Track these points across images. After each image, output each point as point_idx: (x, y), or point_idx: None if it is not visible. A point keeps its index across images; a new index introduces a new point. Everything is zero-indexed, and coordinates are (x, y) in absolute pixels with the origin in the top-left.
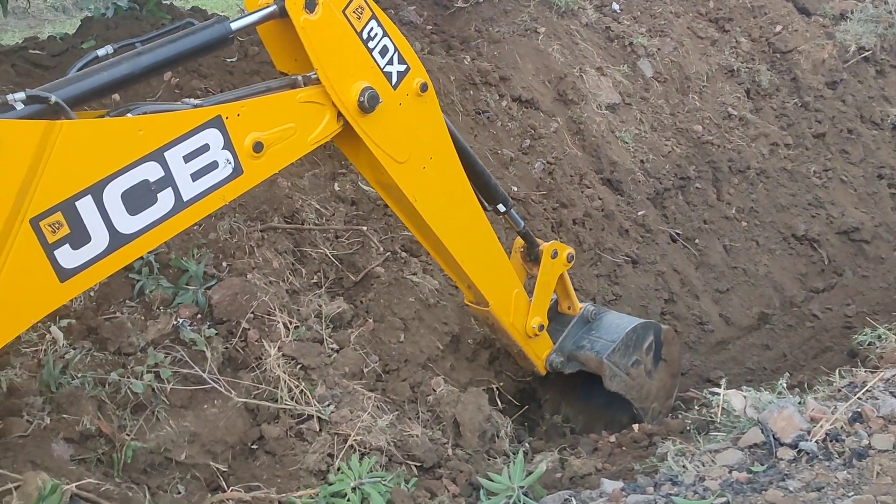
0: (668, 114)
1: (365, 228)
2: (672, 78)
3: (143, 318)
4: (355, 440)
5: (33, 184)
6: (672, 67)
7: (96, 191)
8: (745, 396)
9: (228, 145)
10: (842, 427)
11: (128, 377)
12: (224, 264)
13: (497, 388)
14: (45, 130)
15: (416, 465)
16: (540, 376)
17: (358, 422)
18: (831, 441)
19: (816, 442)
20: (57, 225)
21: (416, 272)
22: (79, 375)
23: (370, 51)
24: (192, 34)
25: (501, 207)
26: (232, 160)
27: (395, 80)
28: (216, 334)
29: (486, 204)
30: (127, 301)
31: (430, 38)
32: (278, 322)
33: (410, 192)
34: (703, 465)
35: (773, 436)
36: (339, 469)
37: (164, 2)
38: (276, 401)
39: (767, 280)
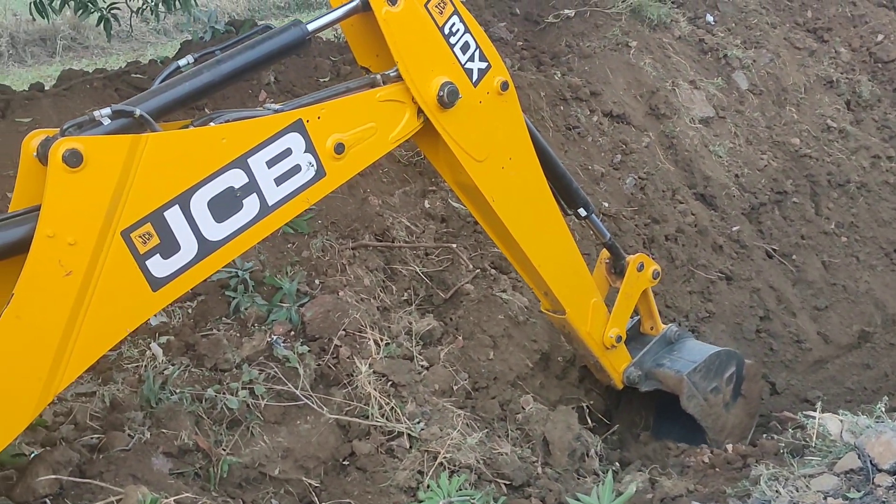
0: (764, 127)
1: (454, 246)
2: (768, 90)
3: (238, 335)
4: (445, 458)
5: (122, 197)
6: (768, 79)
7: (183, 200)
8: (841, 420)
9: (310, 148)
10: None
11: (223, 393)
12: (316, 282)
13: (587, 406)
14: (132, 144)
15: (505, 484)
16: (617, 392)
17: (447, 439)
18: None
19: None
20: (147, 236)
21: (506, 289)
22: (177, 391)
23: (451, 46)
24: (270, 38)
25: (582, 212)
26: (314, 163)
27: (475, 77)
28: (308, 351)
29: (566, 208)
30: (223, 318)
31: (521, 55)
32: (369, 339)
33: (488, 192)
34: (797, 491)
35: (871, 461)
36: (428, 486)
37: (259, 23)
38: (367, 417)
39: (868, 297)
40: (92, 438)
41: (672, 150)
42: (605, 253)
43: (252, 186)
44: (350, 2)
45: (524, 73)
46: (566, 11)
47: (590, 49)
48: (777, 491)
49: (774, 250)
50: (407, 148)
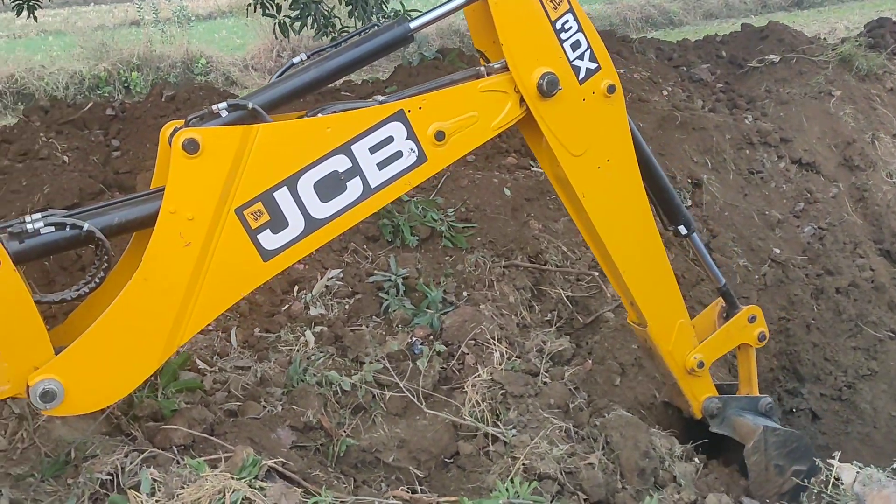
0: None
1: (597, 273)
2: None
3: (383, 333)
4: (524, 464)
5: (236, 179)
6: None
7: (291, 182)
8: (857, 472)
9: (412, 136)
10: None
11: (358, 384)
12: (464, 293)
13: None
14: (244, 134)
15: (584, 498)
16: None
17: (533, 447)
18: None
19: None
20: (258, 213)
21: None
22: (317, 375)
23: (561, 42)
24: (375, 36)
25: (682, 230)
26: (416, 149)
27: (582, 74)
28: (438, 354)
29: (666, 223)
30: (373, 317)
31: (717, 96)
32: (496, 351)
33: (580, 187)
34: None
35: None
36: (506, 489)
37: (465, 53)
38: (477, 419)
39: None
40: (233, 405)
41: (862, 203)
42: (720, 300)
43: (355, 171)
44: None
45: (713, 115)
46: (771, 57)
47: (788, 95)
48: None
49: None
50: None
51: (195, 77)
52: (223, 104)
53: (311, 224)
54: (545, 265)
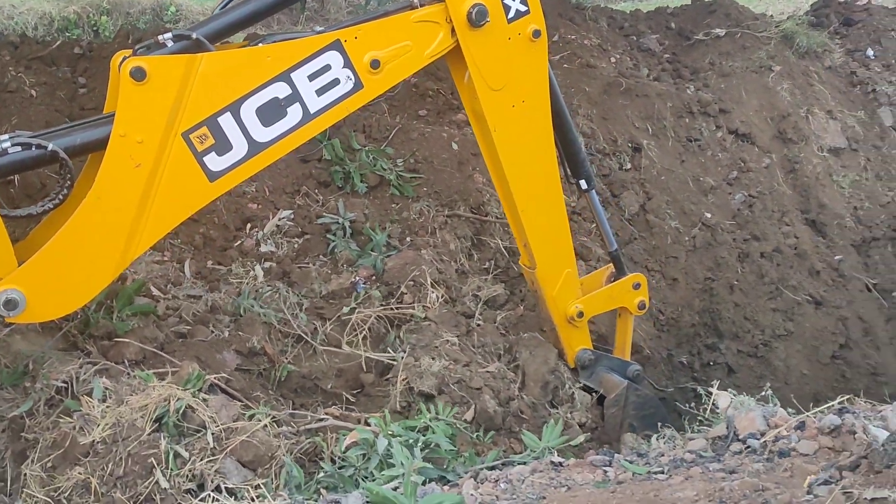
0: None
1: None
2: None
3: (329, 271)
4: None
5: (182, 105)
6: None
7: (234, 108)
8: (731, 398)
9: (349, 64)
10: (786, 432)
11: (298, 314)
12: (408, 239)
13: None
14: (188, 62)
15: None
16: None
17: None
18: (773, 441)
19: (764, 441)
20: (204, 137)
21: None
22: (264, 307)
23: None
24: None
25: (583, 184)
26: (352, 76)
27: (511, 14)
28: (378, 292)
29: (569, 175)
30: (320, 256)
31: (663, 66)
32: (432, 292)
33: (492, 121)
34: (673, 449)
35: (735, 432)
36: (419, 411)
37: None
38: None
39: None
40: (183, 328)
41: (792, 175)
42: (611, 266)
43: (295, 97)
44: None
45: (657, 84)
46: (717, 31)
47: (730, 69)
48: (659, 446)
49: (875, 284)
50: None
51: (165, 24)
52: (168, 35)
53: (254, 147)
54: (486, 216)
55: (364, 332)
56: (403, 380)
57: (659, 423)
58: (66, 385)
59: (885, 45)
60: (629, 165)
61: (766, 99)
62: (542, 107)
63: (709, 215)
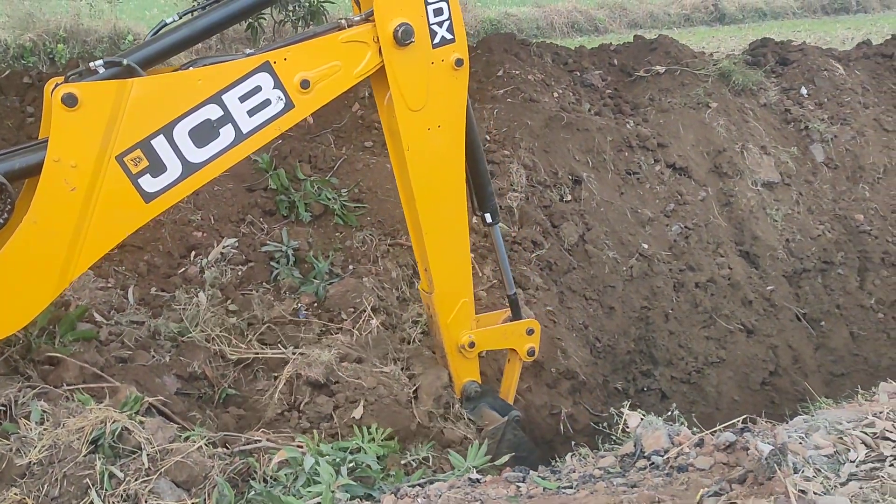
0: (830, 199)
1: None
2: (844, 165)
3: (272, 298)
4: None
5: (115, 128)
6: (846, 156)
7: (167, 130)
8: (641, 417)
9: (279, 85)
10: (687, 448)
11: (239, 341)
12: (350, 267)
13: (569, 412)
14: (119, 88)
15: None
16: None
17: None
18: (675, 458)
19: (667, 458)
20: (138, 159)
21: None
22: (205, 331)
23: (426, 3)
24: None
25: (489, 218)
26: (283, 97)
27: (437, 40)
28: (319, 319)
29: (476, 207)
30: (264, 283)
31: (605, 101)
32: (372, 319)
33: (407, 140)
34: (584, 465)
35: (641, 449)
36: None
37: None
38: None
39: (891, 373)
40: (125, 353)
41: (728, 208)
42: (508, 311)
43: (227, 118)
44: None
45: (598, 118)
46: (657, 68)
47: (669, 105)
48: (572, 464)
49: (804, 314)
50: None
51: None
52: (99, 61)
53: (188, 168)
54: None
55: None
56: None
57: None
58: (4, 408)
59: (818, 85)
60: (569, 197)
61: (703, 134)
62: (457, 134)
63: (646, 246)
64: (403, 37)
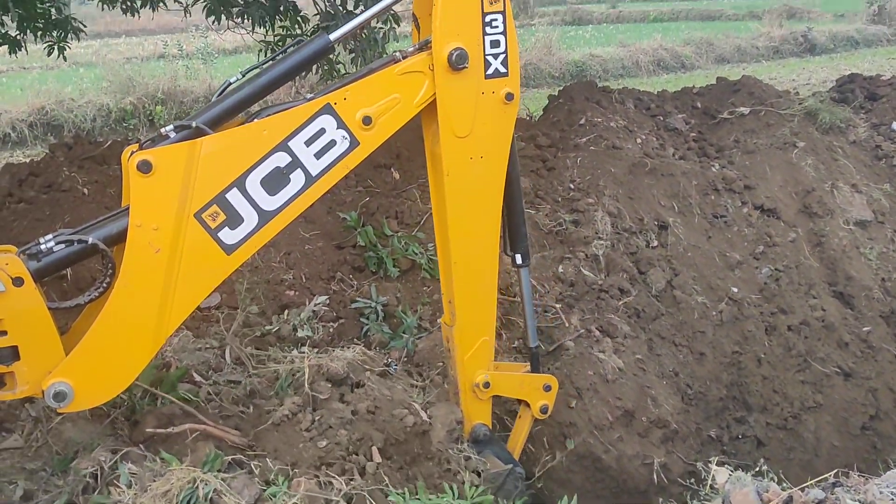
0: None
1: (559, 306)
2: None
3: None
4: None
5: (190, 188)
6: None
7: (240, 183)
8: (729, 474)
9: (342, 124)
10: None
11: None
12: (438, 321)
13: (662, 461)
14: (190, 148)
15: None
16: None
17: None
18: None
19: None
20: (215, 214)
21: (605, 350)
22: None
23: (484, 33)
24: (298, 51)
25: (519, 259)
26: (347, 135)
27: (490, 71)
28: (409, 374)
29: (507, 246)
30: (355, 339)
31: (689, 145)
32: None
33: (448, 165)
34: None
35: None
36: None
37: None
38: None
39: None
40: (225, 412)
41: (819, 248)
42: (528, 365)
43: (296, 163)
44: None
45: (682, 163)
46: (741, 109)
47: (754, 146)
48: None
49: None
50: (550, 217)
51: None
52: (170, 126)
53: (264, 216)
54: (514, 297)
55: None
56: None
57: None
58: (95, 473)
59: None
60: (656, 243)
61: (791, 174)
62: (499, 168)
63: (735, 290)
64: (458, 61)
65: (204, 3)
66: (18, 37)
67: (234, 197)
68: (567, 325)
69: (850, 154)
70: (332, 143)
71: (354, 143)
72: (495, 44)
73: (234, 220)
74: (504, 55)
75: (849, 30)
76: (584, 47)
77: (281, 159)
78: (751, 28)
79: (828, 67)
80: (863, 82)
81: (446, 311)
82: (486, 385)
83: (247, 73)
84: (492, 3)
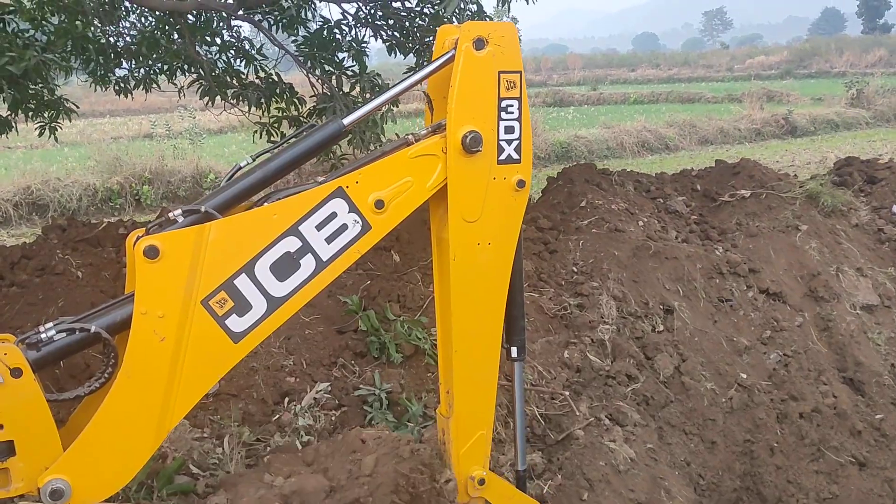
0: None
1: (567, 393)
2: None
3: None
4: None
5: (197, 274)
6: None
7: (248, 268)
8: None
9: (353, 208)
10: None
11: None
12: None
13: None
14: (198, 233)
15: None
16: None
17: None
18: None
19: None
20: (223, 301)
21: (616, 439)
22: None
23: (499, 118)
24: (312, 135)
25: (514, 352)
26: (359, 219)
27: (503, 157)
28: None
29: (504, 337)
30: (358, 427)
31: (691, 228)
32: None
33: (455, 249)
34: None
35: None
36: None
37: None
38: None
39: None
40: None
41: (826, 333)
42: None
43: (306, 248)
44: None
45: (686, 246)
46: (742, 192)
47: (757, 229)
48: None
49: None
50: (555, 301)
51: (204, 192)
52: (178, 210)
53: (273, 303)
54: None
55: None
56: None
57: None
58: None
59: None
60: (661, 327)
61: (795, 258)
62: (507, 256)
63: (744, 376)
64: (471, 144)
65: (199, 87)
66: (10, 117)
67: (243, 283)
68: (576, 412)
69: (854, 237)
70: (344, 228)
71: (367, 226)
72: (510, 129)
73: (242, 307)
74: (518, 142)
75: (828, 112)
76: (568, 128)
77: (291, 244)
78: (731, 110)
79: (810, 149)
80: (861, 165)
81: (443, 401)
82: (482, 482)
83: (257, 156)
84: (509, 89)
